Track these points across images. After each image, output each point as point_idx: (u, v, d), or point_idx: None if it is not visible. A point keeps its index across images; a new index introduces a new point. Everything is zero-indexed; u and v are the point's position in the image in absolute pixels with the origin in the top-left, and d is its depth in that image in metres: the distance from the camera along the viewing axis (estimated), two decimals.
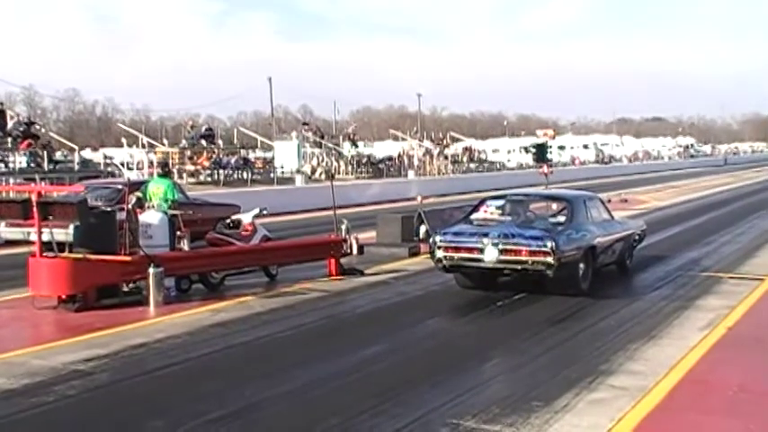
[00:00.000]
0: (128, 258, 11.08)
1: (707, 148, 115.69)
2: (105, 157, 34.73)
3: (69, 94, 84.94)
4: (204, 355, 8.53)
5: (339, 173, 43.17)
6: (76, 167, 29.41)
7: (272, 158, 43.94)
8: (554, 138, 69.30)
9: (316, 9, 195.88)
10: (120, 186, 16.63)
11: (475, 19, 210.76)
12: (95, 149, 41.41)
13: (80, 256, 10.82)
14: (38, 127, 33.37)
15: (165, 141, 42.96)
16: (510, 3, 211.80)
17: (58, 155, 31.02)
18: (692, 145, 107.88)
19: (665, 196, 34.91)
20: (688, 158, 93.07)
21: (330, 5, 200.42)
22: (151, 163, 35.26)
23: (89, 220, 10.98)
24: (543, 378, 7.49)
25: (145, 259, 11.04)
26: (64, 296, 10.69)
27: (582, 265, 11.56)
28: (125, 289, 11.19)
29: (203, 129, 42.64)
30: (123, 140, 40.94)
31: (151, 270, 10.83)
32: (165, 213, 12.30)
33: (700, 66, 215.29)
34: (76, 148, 32.45)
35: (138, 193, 12.77)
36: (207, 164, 37.55)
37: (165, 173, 13.48)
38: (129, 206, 12.06)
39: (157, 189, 12.72)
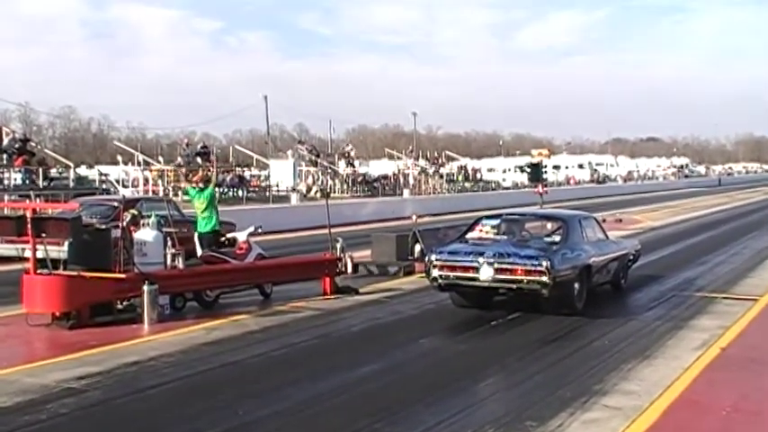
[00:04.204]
0: (122, 276, 11.06)
1: (701, 169, 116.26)
2: (100, 174, 34.75)
3: (65, 112, 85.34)
4: (198, 373, 8.50)
5: (334, 191, 43.24)
6: (71, 184, 29.40)
7: (268, 177, 44.06)
8: (549, 157, 69.45)
9: (312, 28, 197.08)
10: (115, 204, 16.63)
11: (471, 38, 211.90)
12: (91, 167, 41.44)
13: (74, 273, 10.79)
14: (33, 144, 33.36)
15: (161, 159, 43.09)
16: (506, 22, 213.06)
17: (54, 172, 31.02)
18: (686, 165, 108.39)
19: (660, 216, 34.96)
20: (682, 179, 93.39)
21: (327, 24, 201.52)
22: (146, 180, 35.34)
23: (83, 237, 10.98)
24: (537, 398, 7.48)
25: (139, 277, 11.03)
26: (58, 313, 10.66)
27: (577, 285, 11.57)
28: (119, 306, 11.17)
29: (199, 146, 42.81)
30: (119, 158, 41.09)
31: (145, 288, 10.82)
32: (160, 230, 12.30)
33: (694, 87, 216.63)
34: (72, 165, 32.45)
35: (134, 211, 12.75)
36: None
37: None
38: (124, 223, 12.04)
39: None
